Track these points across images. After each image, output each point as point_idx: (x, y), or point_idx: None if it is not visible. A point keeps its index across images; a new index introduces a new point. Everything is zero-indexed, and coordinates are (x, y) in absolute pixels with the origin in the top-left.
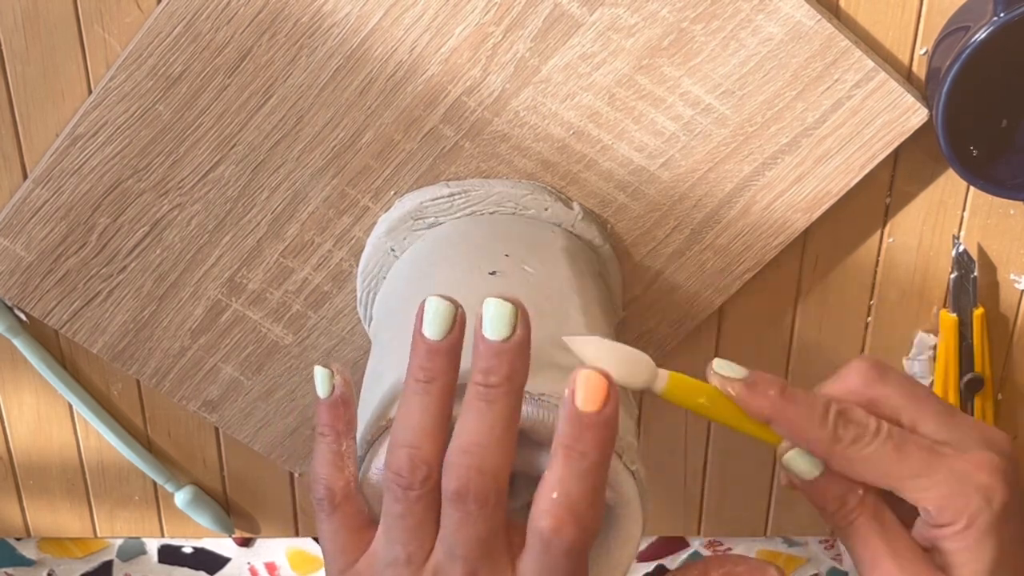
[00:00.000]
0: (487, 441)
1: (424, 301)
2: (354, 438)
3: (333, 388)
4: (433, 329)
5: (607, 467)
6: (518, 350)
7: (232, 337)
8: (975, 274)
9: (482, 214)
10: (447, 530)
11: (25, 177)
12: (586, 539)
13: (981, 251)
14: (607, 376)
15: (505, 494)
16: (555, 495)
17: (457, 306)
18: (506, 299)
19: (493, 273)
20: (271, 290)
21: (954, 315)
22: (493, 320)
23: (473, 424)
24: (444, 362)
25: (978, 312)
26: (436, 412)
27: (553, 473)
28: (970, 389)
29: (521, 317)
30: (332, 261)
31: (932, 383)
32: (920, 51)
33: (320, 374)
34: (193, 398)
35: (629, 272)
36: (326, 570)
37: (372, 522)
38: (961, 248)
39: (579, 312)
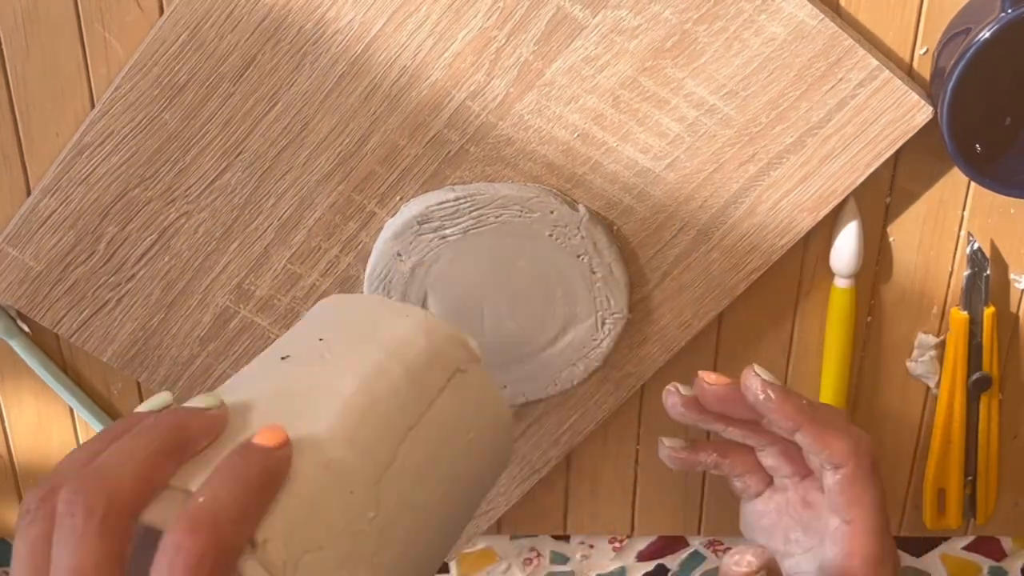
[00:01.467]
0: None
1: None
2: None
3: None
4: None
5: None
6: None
7: (241, 344)
8: (988, 272)
9: (487, 219)
10: None
11: (25, 175)
12: None
13: (981, 251)
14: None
15: None
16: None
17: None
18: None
19: (285, 358)
20: (279, 296)
21: (965, 313)
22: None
23: None
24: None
25: (989, 311)
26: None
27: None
28: (978, 388)
29: None
30: (339, 267)
31: (938, 382)
32: (920, 50)
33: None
34: None
35: (636, 273)
36: None
37: None
38: (976, 246)
39: (340, 414)
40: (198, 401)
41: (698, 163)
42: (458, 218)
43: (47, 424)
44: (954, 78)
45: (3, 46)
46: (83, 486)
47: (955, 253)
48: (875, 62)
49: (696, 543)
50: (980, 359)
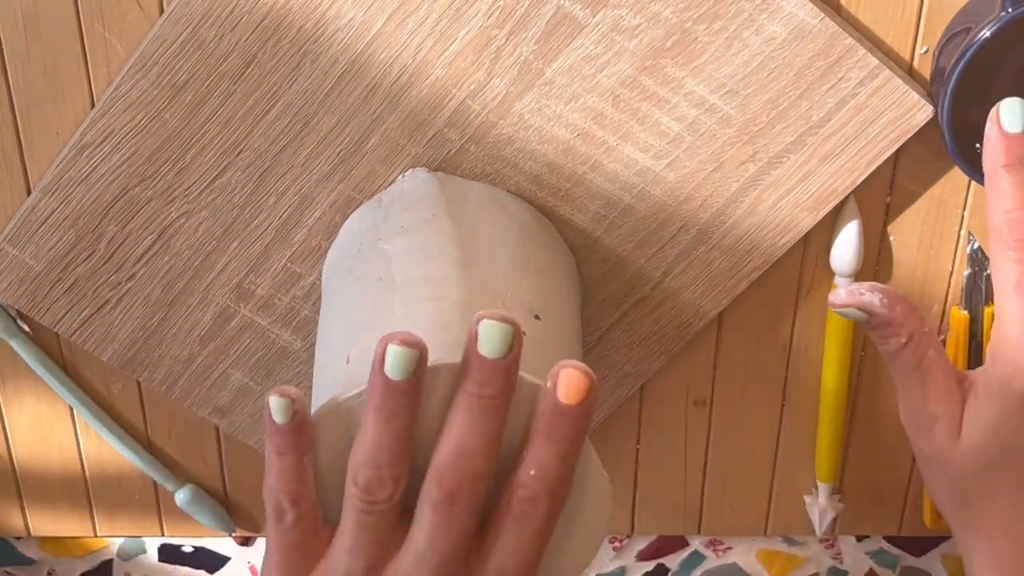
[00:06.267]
0: (481, 447)
1: (385, 345)
2: (313, 452)
3: (293, 414)
4: (396, 373)
5: (579, 452)
6: (513, 367)
7: (241, 343)
8: (988, 271)
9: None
10: (422, 536)
11: (25, 175)
12: (555, 515)
13: (981, 250)
14: (589, 375)
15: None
16: (533, 472)
17: (421, 348)
18: (504, 320)
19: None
20: (279, 296)
21: (965, 312)
22: (490, 340)
23: (467, 431)
24: (406, 400)
25: (989, 310)
26: (399, 437)
27: (532, 455)
28: None
29: (516, 337)
30: None
31: None
32: (921, 49)
33: (276, 403)
34: (203, 404)
35: (636, 273)
36: None
37: (326, 532)
38: (976, 245)
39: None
40: (494, 352)
41: (698, 162)
42: None
43: (47, 424)
44: (954, 77)
45: (3, 46)
46: (463, 482)
47: (955, 252)
48: (875, 61)
49: (696, 543)
50: (980, 358)
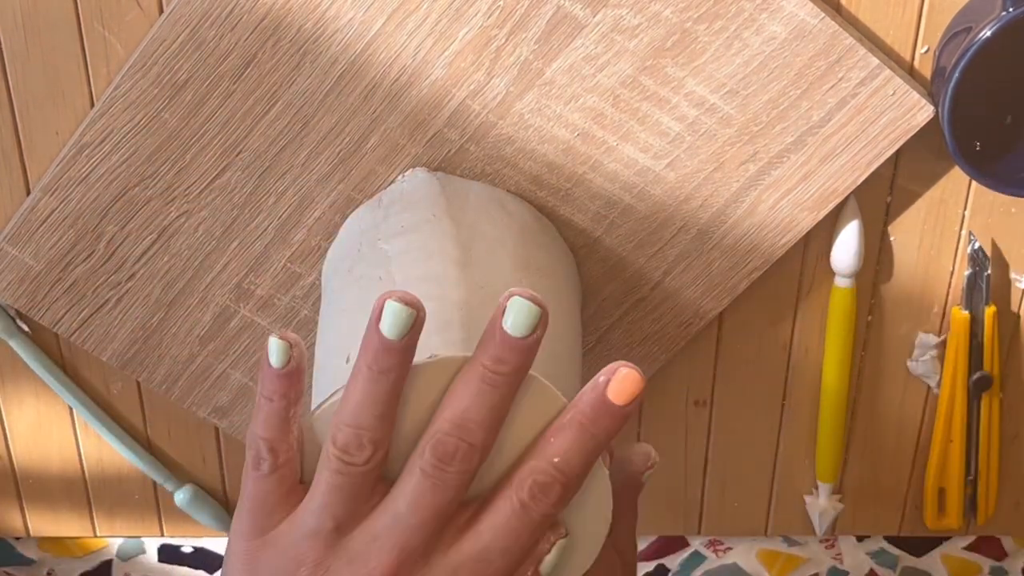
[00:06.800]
0: (482, 420)
1: (384, 301)
2: (301, 404)
3: (289, 359)
4: (390, 331)
5: (600, 454)
6: (533, 348)
7: (241, 343)
8: (988, 271)
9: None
10: (403, 500)
11: (24, 175)
12: (560, 509)
13: (982, 250)
14: (644, 380)
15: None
16: (557, 460)
17: (417, 310)
18: (535, 302)
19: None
20: (279, 296)
21: (966, 312)
22: (517, 318)
23: (472, 401)
24: (399, 359)
25: (990, 310)
26: (385, 399)
27: (557, 444)
28: (978, 387)
29: (542, 320)
30: None
31: (939, 382)
32: (921, 49)
33: (276, 345)
34: (203, 404)
35: (636, 273)
36: (237, 528)
37: (301, 489)
38: (976, 245)
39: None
40: (517, 331)
41: (698, 162)
42: None
43: (47, 424)
44: (955, 77)
45: (3, 46)
46: (459, 449)
47: (956, 252)
48: (876, 61)
49: (696, 543)
50: (981, 359)
